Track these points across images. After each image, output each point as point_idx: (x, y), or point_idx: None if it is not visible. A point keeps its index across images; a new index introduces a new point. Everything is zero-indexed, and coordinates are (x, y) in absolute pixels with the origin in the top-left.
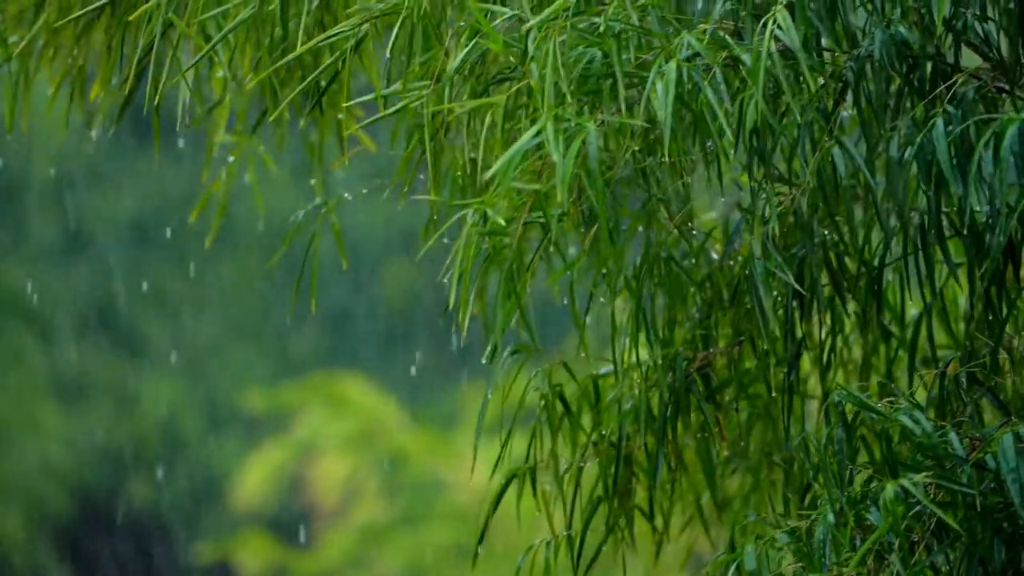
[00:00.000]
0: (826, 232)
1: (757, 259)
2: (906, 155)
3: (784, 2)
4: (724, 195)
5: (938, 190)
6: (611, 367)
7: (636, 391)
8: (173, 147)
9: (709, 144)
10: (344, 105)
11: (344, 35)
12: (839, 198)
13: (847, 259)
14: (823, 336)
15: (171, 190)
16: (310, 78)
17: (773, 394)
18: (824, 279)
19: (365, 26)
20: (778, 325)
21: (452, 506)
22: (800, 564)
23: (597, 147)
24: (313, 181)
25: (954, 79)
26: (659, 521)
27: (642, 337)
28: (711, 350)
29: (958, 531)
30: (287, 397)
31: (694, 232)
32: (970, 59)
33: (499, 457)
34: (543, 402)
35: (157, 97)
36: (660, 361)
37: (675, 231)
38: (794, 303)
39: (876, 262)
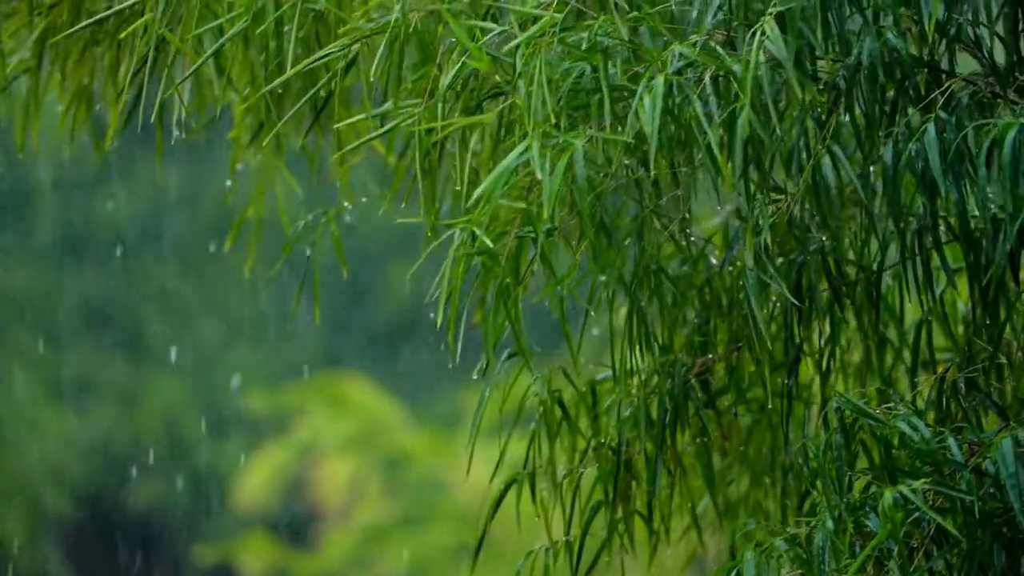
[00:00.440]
0: (824, 239)
1: (750, 270)
2: (900, 161)
3: (774, 12)
4: (724, 201)
5: (932, 196)
6: (610, 372)
7: (635, 397)
8: (175, 149)
9: (699, 156)
10: (336, 127)
11: (335, 56)
12: (831, 207)
13: (845, 265)
14: (822, 342)
15: (174, 191)
16: (302, 100)
17: (770, 404)
18: (823, 285)
19: (356, 46)
20: (777, 330)
21: (453, 507)
22: (800, 571)
23: (584, 163)
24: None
25: (947, 85)
26: (660, 526)
27: (642, 342)
28: (710, 356)
29: (957, 537)
30: (289, 398)
31: (692, 239)
32: (964, 66)
33: (498, 463)
34: (542, 408)
35: (154, 114)
36: (658, 367)
37: (669, 240)
38: (792, 309)
39: (874, 268)
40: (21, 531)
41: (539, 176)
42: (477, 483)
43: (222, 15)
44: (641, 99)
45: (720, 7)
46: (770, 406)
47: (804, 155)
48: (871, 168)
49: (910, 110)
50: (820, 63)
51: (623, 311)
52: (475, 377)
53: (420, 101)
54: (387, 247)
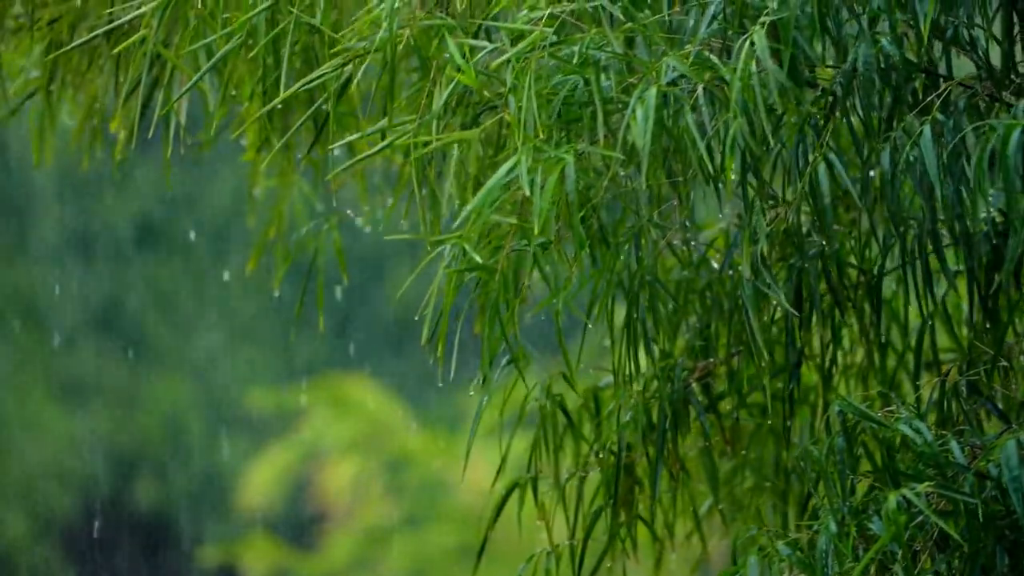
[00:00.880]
0: (824, 244)
1: (747, 281)
2: (898, 166)
3: (766, 20)
4: (726, 206)
5: (931, 199)
6: (612, 377)
7: (634, 401)
8: (178, 152)
9: (692, 169)
10: (330, 147)
11: (329, 76)
12: (825, 214)
13: (846, 268)
14: (824, 346)
15: (178, 193)
16: (300, 121)
17: (770, 408)
18: (824, 289)
19: (348, 67)
20: (778, 333)
21: (456, 508)
22: (803, 575)
23: (579, 175)
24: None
25: (943, 88)
26: (663, 532)
27: (641, 347)
28: (711, 360)
29: (959, 541)
30: (293, 399)
31: (692, 243)
32: (962, 72)
33: (499, 469)
34: (542, 414)
35: (151, 130)
36: (658, 372)
37: (668, 250)
38: (793, 313)
39: (875, 272)
40: (23, 532)
41: (527, 192)
42: (479, 484)
43: (218, 30)
44: (633, 111)
45: (715, 16)
46: (771, 410)
47: (801, 163)
48: (871, 173)
49: (908, 116)
50: (819, 69)
51: (623, 314)
52: (471, 394)
53: (415, 118)
54: (393, 249)
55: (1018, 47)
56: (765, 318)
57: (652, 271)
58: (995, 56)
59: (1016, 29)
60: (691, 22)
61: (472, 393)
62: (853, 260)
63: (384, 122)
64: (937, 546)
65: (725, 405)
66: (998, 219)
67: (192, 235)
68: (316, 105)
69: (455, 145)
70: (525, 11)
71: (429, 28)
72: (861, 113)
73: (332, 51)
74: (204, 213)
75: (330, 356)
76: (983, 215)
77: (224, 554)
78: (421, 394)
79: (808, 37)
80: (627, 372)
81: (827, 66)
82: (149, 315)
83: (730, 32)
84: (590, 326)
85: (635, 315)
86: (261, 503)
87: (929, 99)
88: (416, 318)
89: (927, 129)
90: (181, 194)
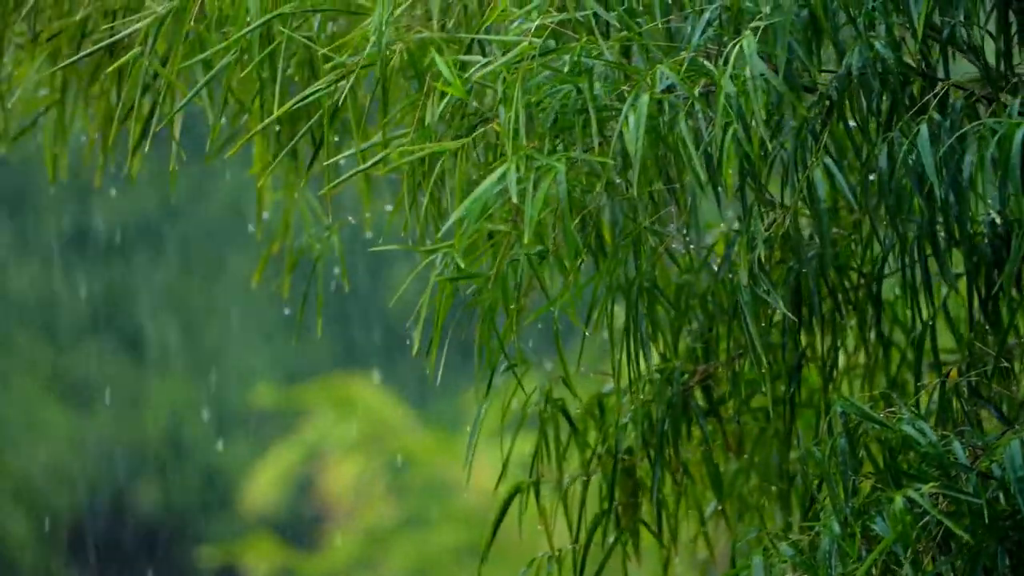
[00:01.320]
0: (822, 248)
1: (744, 287)
2: (896, 164)
3: (759, 26)
4: (727, 208)
5: (929, 198)
6: (617, 382)
7: (634, 406)
8: (181, 158)
9: (687, 175)
10: (325, 163)
11: (323, 93)
12: (822, 218)
13: (847, 271)
14: (824, 349)
15: (180, 191)
16: (296, 138)
17: (771, 412)
18: (824, 292)
19: (343, 82)
20: (780, 336)
21: (459, 508)
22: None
23: (567, 186)
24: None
25: (940, 89)
26: (667, 535)
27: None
28: (711, 363)
29: (969, 541)
30: (296, 399)
31: (692, 247)
32: (959, 74)
33: (501, 474)
34: (543, 419)
35: (147, 143)
36: (652, 375)
37: (665, 255)
38: (791, 318)
39: (875, 274)
40: (26, 532)
41: (515, 200)
42: (482, 484)
43: (213, 45)
44: (625, 118)
45: (710, 23)
46: (772, 414)
47: (800, 168)
48: (870, 178)
49: (905, 117)
50: (815, 74)
51: (623, 317)
52: (482, 405)
53: (409, 131)
54: (397, 250)
55: (1016, 47)
56: (763, 323)
57: (651, 277)
58: (991, 56)
59: (1014, 28)
60: (689, 29)
61: (480, 405)
62: (855, 263)
63: (379, 136)
64: (939, 547)
65: (727, 409)
66: (997, 221)
67: (195, 236)
68: (312, 121)
69: (446, 155)
70: (517, 23)
71: (425, 41)
72: (856, 117)
73: (326, 66)
74: (207, 214)
75: (333, 357)
76: (982, 217)
77: (226, 554)
78: (424, 395)
79: (803, 41)
80: (627, 376)
81: (823, 70)
82: (152, 315)
83: (725, 38)
84: (587, 333)
85: (634, 320)
86: (265, 504)
87: (926, 99)
88: (407, 327)
89: (924, 128)
90: (184, 195)
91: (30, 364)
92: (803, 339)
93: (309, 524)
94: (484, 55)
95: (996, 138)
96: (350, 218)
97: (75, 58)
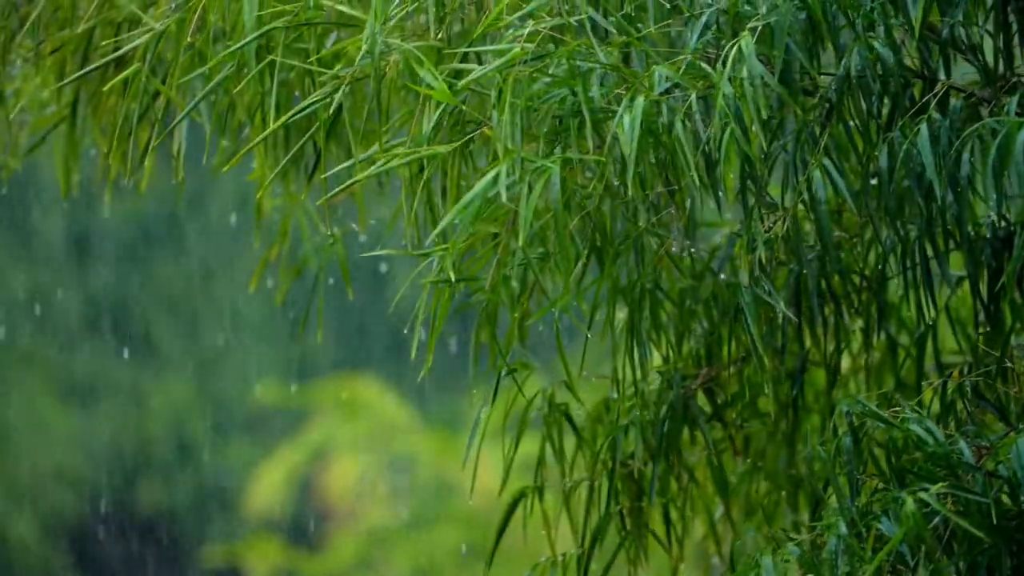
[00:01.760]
0: (823, 250)
1: (745, 288)
2: (896, 163)
3: (756, 25)
4: (728, 210)
5: (928, 197)
6: (615, 385)
7: (637, 409)
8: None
9: (686, 177)
10: (322, 176)
11: (319, 105)
12: (822, 220)
13: (850, 273)
14: (827, 351)
15: (185, 192)
16: (292, 151)
17: (772, 415)
18: (825, 294)
19: (338, 94)
20: (783, 339)
21: (461, 509)
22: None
23: (561, 187)
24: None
25: (939, 89)
26: (674, 539)
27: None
28: (714, 366)
29: (983, 539)
30: (300, 400)
31: (693, 250)
32: (960, 77)
33: (505, 479)
34: (546, 423)
35: (148, 156)
36: (658, 379)
37: (666, 257)
38: (798, 318)
39: (877, 276)
40: (29, 533)
41: (503, 200)
42: (485, 485)
43: (213, 58)
44: (621, 119)
45: (707, 27)
46: (776, 417)
47: (798, 169)
48: (872, 182)
49: (904, 118)
50: (815, 76)
51: (624, 319)
52: (480, 410)
53: (406, 140)
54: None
55: (1016, 47)
56: (766, 326)
57: (652, 278)
58: (991, 56)
59: (1014, 28)
60: (688, 34)
61: (477, 396)
62: (856, 266)
63: (375, 148)
64: (942, 546)
65: (731, 413)
66: (999, 224)
67: (198, 237)
68: (308, 133)
69: (438, 160)
70: (512, 30)
71: (423, 50)
72: (855, 118)
73: (320, 79)
74: (210, 215)
75: (337, 357)
76: (983, 219)
77: (228, 555)
78: (427, 395)
79: (802, 44)
80: (628, 379)
81: (822, 73)
82: (154, 316)
83: (723, 42)
84: (589, 335)
85: (636, 322)
86: (269, 505)
87: (925, 99)
88: (405, 331)
89: (924, 127)
90: (187, 195)
91: (32, 364)
92: (806, 342)
93: (311, 524)
94: (480, 64)
95: (998, 139)
96: (353, 225)
97: (79, 74)
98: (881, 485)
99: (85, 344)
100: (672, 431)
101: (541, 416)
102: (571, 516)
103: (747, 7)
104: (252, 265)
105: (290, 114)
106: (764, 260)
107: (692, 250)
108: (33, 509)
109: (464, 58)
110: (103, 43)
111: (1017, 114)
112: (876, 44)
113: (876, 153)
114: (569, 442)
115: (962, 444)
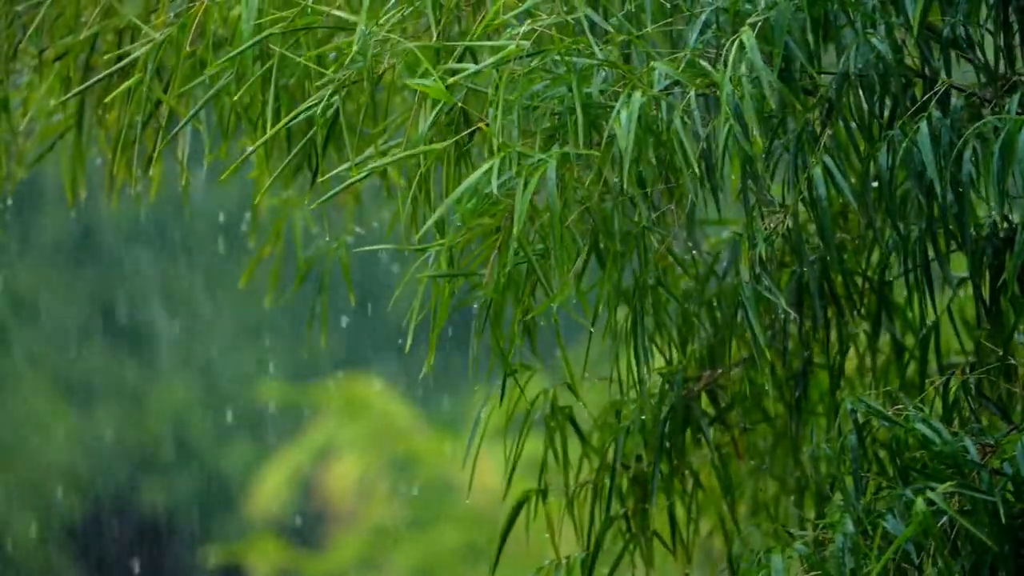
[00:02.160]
0: (824, 249)
1: (746, 283)
2: (896, 162)
3: (756, 21)
4: (728, 209)
5: (929, 196)
6: (617, 385)
7: (638, 412)
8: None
9: (685, 174)
10: (321, 179)
11: (314, 110)
12: (823, 219)
13: (851, 274)
14: (828, 350)
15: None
16: (290, 156)
17: (773, 414)
18: (827, 294)
19: (335, 98)
20: (786, 341)
21: (463, 508)
22: (818, 573)
23: (556, 181)
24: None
25: (939, 88)
26: (679, 541)
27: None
28: (717, 368)
29: (985, 542)
30: (303, 400)
31: (695, 251)
32: (961, 78)
33: (509, 482)
34: (549, 425)
35: (150, 166)
36: (658, 380)
37: (667, 254)
38: (800, 319)
39: (878, 276)
40: (30, 532)
41: (494, 191)
42: (487, 484)
43: (214, 66)
44: (618, 115)
45: (707, 25)
46: (779, 418)
47: (799, 168)
48: (873, 184)
49: (904, 117)
50: (816, 75)
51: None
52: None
53: (402, 141)
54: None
55: (1017, 47)
56: (767, 327)
57: (654, 275)
58: (991, 55)
59: (1015, 28)
60: (688, 33)
61: (479, 395)
62: (859, 266)
63: (371, 150)
64: (947, 545)
65: (734, 416)
66: (1001, 224)
67: (200, 237)
68: (307, 138)
69: (435, 159)
70: (509, 29)
71: (421, 51)
72: (855, 117)
73: (317, 83)
74: (211, 214)
75: (339, 357)
76: (984, 219)
77: (230, 554)
78: (429, 395)
79: (802, 43)
80: (630, 380)
81: (822, 72)
82: (157, 315)
83: (723, 40)
84: (591, 330)
85: (638, 321)
86: (271, 505)
87: (926, 98)
88: (403, 325)
89: (924, 126)
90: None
91: (34, 363)
92: (808, 343)
93: (313, 524)
94: (477, 63)
95: (1000, 138)
96: (357, 229)
97: (86, 85)
98: (885, 484)
99: (86, 344)
100: (674, 433)
101: (544, 419)
102: (575, 519)
103: (747, 5)
104: (257, 266)
105: (286, 120)
106: (765, 257)
107: (694, 251)
108: (34, 509)
109: (462, 58)
110: (106, 50)
111: (1018, 113)
112: (876, 42)
113: (876, 151)
114: (573, 443)
115: (968, 442)
